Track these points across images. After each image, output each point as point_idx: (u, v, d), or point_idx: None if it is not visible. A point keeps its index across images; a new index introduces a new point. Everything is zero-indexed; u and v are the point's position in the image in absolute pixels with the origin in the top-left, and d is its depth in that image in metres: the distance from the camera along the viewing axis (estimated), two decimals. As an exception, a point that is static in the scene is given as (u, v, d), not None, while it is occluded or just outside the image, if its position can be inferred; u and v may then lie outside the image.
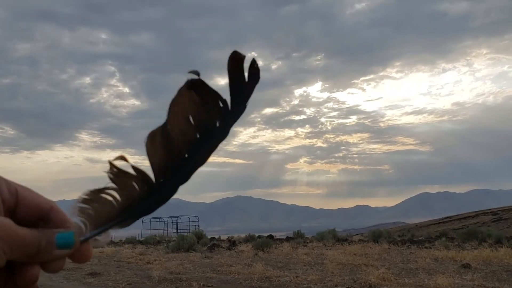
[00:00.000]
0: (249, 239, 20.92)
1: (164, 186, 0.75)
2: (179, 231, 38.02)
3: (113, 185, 0.75)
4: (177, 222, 41.27)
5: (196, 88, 0.75)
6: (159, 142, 0.74)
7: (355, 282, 8.44)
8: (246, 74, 0.75)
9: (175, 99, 0.75)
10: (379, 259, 12.27)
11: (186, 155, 0.75)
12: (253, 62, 0.75)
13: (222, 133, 0.75)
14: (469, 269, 10.09)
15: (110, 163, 0.75)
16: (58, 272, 0.75)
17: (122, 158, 0.75)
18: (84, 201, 0.75)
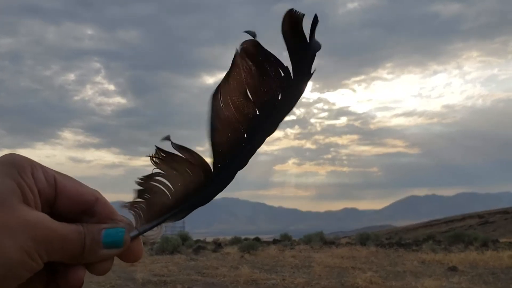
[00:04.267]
0: (235, 241, 20.78)
1: (222, 172, 0.64)
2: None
3: (160, 171, 0.64)
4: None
5: (253, 55, 0.63)
6: (215, 123, 0.63)
7: (342, 285, 8.38)
8: (307, 35, 0.63)
9: (230, 71, 0.63)
10: (367, 262, 12.23)
11: (245, 135, 0.64)
12: (315, 21, 0.63)
13: (286, 107, 0.64)
14: (456, 272, 10.11)
15: (157, 147, 0.64)
16: (105, 274, 0.64)
17: (168, 138, 0.63)
18: (137, 193, 0.65)
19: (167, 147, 0.64)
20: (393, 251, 15.89)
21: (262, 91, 0.63)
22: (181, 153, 0.64)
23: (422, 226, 47.86)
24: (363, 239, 19.78)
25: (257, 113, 0.63)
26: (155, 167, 0.64)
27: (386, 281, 8.73)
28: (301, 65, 0.64)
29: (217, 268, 10.98)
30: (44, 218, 0.61)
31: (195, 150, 0.64)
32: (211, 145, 0.63)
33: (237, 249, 15.96)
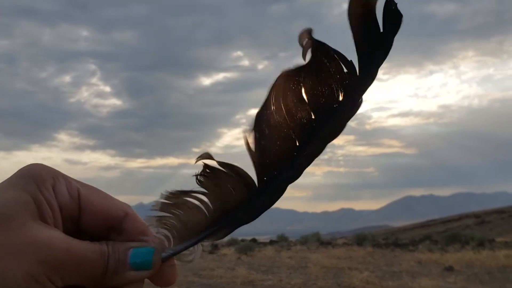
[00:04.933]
0: (232, 242, 20.73)
1: (269, 186, 0.56)
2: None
3: (202, 189, 0.56)
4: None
5: (310, 50, 0.53)
6: (259, 132, 0.55)
7: (339, 285, 8.37)
8: (380, 22, 0.53)
9: (284, 72, 0.53)
10: (363, 262, 12.23)
11: (297, 143, 0.55)
12: (389, 3, 0.52)
13: (349, 108, 0.55)
14: (452, 272, 10.12)
15: (205, 163, 0.55)
16: None
17: (208, 156, 0.55)
18: (164, 207, 0.56)
19: (211, 163, 0.56)
20: (390, 251, 15.90)
21: (319, 91, 0.54)
22: (224, 169, 0.56)
23: (418, 226, 47.91)
24: (360, 239, 19.78)
25: (313, 117, 0.54)
26: (199, 185, 0.56)
27: (383, 281, 8.73)
28: (372, 57, 0.55)
29: (213, 269, 10.94)
30: (58, 236, 0.52)
31: (240, 167, 0.56)
32: (258, 155, 0.55)
33: (234, 250, 15.93)
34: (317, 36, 0.53)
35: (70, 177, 0.55)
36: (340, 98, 0.54)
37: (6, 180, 0.54)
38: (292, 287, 8.40)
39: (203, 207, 0.56)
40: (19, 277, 0.49)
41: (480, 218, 43.88)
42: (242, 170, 0.56)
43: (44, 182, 0.53)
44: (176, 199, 0.56)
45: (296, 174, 0.56)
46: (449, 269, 10.45)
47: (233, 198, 0.56)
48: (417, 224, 53.47)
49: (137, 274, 0.53)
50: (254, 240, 20.76)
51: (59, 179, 0.54)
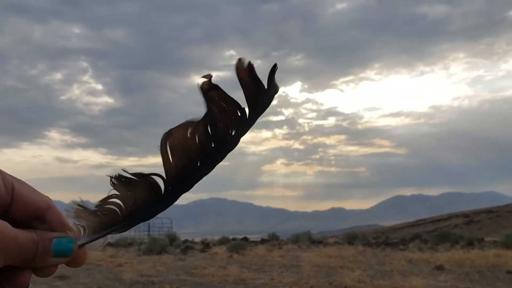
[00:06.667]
0: (223, 241, 20.73)
1: (171, 194, 0.72)
2: (151, 233, 37.46)
3: (116, 192, 0.71)
4: (149, 224, 40.63)
5: (214, 96, 0.71)
6: (176, 148, 0.71)
7: (330, 284, 8.40)
8: (265, 82, 0.73)
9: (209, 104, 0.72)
10: (355, 261, 12.28)
11: (199, 164, 0.72)
12: (274, 68, 0.73)
13: (233, 143, 0.73)
14: (443, 271, 10.20)
15: (119, 173, 0.72)
16: (49, 276, 0.68)
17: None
18: (82, 206, 0.70)
19: (124, 172, 0.71)
20: (381, 250, 15.99)
21: (220, 127, 0.71)
22: (137, 178, 0.71)
23: (408, 226, 48.17)
24: (351, 238, 19.88)
25: (213, 145, 0.71)
26: (112, 188, 0.71)
27: (374, 280, 8.76)
28: (257, 107, 0.72)
29: (205, 268, 10.93)
30: (7, 226, 0.66)
31: (148, 174, 0.72)
32: (167, 169, 0.71)
33: (225, 249, 15.94)
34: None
35: (4, 172, 0.67)
36: (232, 133, 0.72)
37: None
38: (284, 286, 8.40)
39: (118, 211, 0.70)
40: None
41: (469, 218, 44.24)
42: (153, 179, 0.71)
43: None
44: (101, 207, 0.70)
45: (190, 186, 0.72)
46: (440, 268, 10.53)
47: (142, 202, 0.71)
48: (407, 223, 53.78)
49: (58, 260, 0.67)
50: (245, 239, 20.77)
51: None
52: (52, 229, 0.67)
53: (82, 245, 0.69)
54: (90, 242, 0.69)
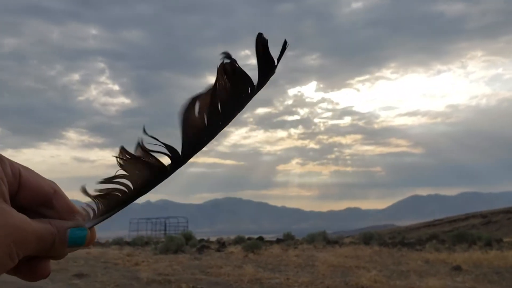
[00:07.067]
0: (238, 240, 20.80)
1: (174, 167, 0.72)
2: (167, 232, 37.71)
3: (123, 172, 0.71)
4: (165, 223, 40.95)
5: (229, 73, 0.73)
6: (187, 130, 0.72)
7: (346, 284, 8.37)
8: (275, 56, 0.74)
9: (212, 84, 0.72)
10: (370, 261, 12.22)
11: (206, 141, 0.72)
12: (284, 46, 0.75)
13: (247, 99, 0.74)
14: (460, 271, 10.10)
15: (122, 149, 0.71)
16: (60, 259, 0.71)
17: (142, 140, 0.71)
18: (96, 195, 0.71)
19: (132, 148, 0.70)
20: (397, 250, 15.88)
21: (230, 104, 0.72)
22: (145, 156, 0.70)
23: (425, 226, 47.77)
24: (367, 238, 19.80)
25: (220, 123, 0.72)
26: (119, 167, 0.70)
27: (390, 280, 8.71)
28: (264, 75, 0.74)
29: (221, 267, 10.98)
30: (26, 220, 0.67)
31: (155, 155, 0.70)
32: (182, 148, 0.71)
33: (241, 248, 15.98)
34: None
35: (10, 159, 0.68)
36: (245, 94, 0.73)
37: None
38: (300, 285, 8.40)
39: (126, 190, 0.71)
40: (1, 255, 0.67)
41: (487, 218, 43.69)
42: (158, 160, 0.70)
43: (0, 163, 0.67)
44: (107, 186, 0.71)
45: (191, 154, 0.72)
46: (457, 268, 10.42)
47: (148, 181, 0.71)
48: (423, 223, 53.31)
49: (72, 249, 0.68)
50: (260, 239, 20.82)
51: (4, 161, 0.67)
52: (60, 214, 0.68)
53: (91, 227, 0.70)
54: (99, 222, 0.71)
